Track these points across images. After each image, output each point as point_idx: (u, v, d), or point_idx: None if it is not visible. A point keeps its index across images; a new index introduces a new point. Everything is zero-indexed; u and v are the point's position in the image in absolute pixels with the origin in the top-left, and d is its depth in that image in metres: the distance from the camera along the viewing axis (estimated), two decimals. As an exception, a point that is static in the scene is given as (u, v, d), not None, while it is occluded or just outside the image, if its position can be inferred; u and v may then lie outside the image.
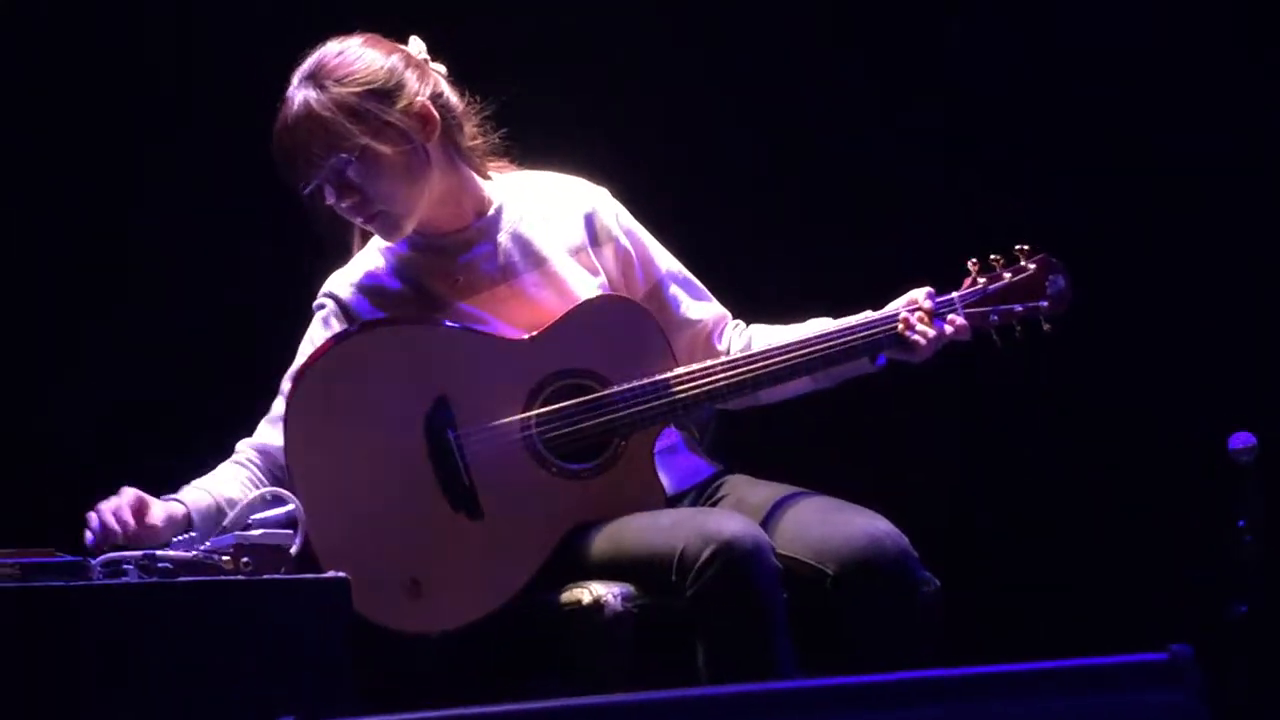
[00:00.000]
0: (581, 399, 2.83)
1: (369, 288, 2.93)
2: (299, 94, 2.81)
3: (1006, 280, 2.96)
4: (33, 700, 2.21)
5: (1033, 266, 2.97)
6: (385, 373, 2.80)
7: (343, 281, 2.95)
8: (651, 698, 1.82)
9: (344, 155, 2.79)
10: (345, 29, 2.91)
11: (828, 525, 2.74)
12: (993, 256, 2.98)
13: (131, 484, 2.73)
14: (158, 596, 2.30)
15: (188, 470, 2.91)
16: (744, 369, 2.88)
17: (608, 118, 3.91)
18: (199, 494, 2.77)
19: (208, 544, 2.46)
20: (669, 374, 2.87)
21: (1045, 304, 2.96)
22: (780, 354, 2.88)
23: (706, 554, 2.63)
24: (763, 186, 4.13)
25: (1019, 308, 2.95)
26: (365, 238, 2.96)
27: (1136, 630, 4.06)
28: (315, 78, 2.81)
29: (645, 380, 2.85)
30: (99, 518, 2.61)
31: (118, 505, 2.65)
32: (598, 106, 3.91)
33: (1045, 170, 4.12)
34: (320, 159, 2.79)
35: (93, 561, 2.45)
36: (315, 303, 2.95)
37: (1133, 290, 4.20)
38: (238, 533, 2.45)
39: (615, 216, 3.00)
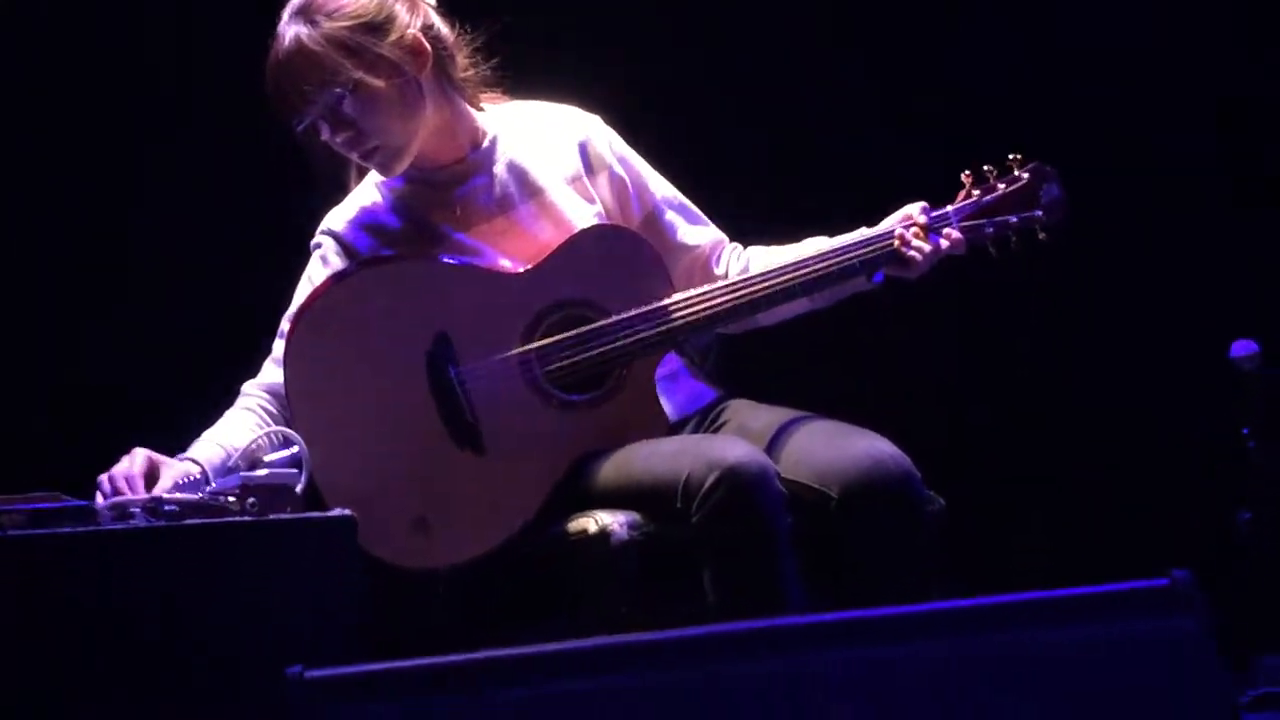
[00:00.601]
0: (580, 329, 2.83)
1: (367, 224, 2.92)
2: (290, 29, 2.79)
3: (1001, 191, 2.94)
4: (41, 647, 2.21)
5: (1026, 176, 2.95)
6: (384, 311, 2.80)
7: (340, 218, 2.94)
8: (657, 638, 1.84)
9: (337, 90, 2.77)
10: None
11: (830, 449, 2.74)
12: (986, 168, 2.96)
13: (137, 428, 2.73)
14: (165, 540, 2.30)
15: (195, 405, 2.92)
16: (742, 292, 2.87)
17: (600, 40, 3.89)
18: (212, 449, 2.75)
19: (213, 485, 2.47)
20: (667, 300, 2.86)
21: (1040, 213, 2.94)
22: (778, 276, 2.87)
23: (711, 480, 2.64)
24: (764, 107, 4.12)
25: (1014, 218, 2.93)
26: (362, 175, 2.95)
27: (1143, 540, 4.10)
28: (305, 12, 2.80)
29: (644, 308, 2.85)
30: (110, 483, 2.58)
31: (128, 470, 2.63)
32: (590, 29, 3.89)
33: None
34: (313, 94, 2.77)
35: (99, 506, 2.47)
36: (313, 241, 2.94)
37: (1133, 198, 4.19)
38: (243, 473, 2.45)
39: (609, 144, 2.99)
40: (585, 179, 2.95)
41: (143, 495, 2.54)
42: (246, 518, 2.38)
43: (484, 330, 2.80)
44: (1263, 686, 3.57)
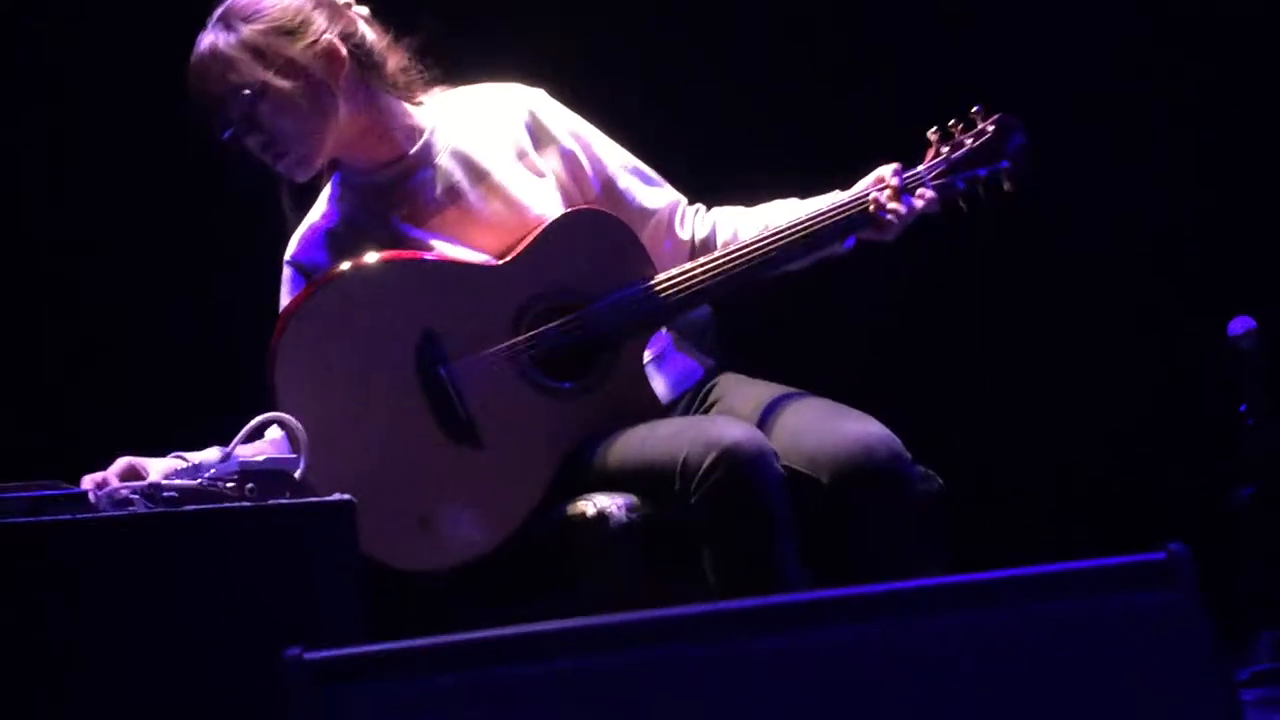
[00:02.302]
0: (566, 318, 2.83)
1: (324, 242, 2.91)
2: (208, 36, 2.82)
3: (968, 146, 2.93)
4: (43, 633, 2.22)
5: (991, 128, 2.94)
6: (369, 314, 2.78)
7: (297, 242, 2.94)
8: (657, 615, 1.84)
9: (246, 92, 2.78)
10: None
11: (819, 432, 2.74)
12: (951, 123, 2.96)
13: (141, 417, 2.73)
14: (164, 526, 2.31)
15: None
16: (723, 266, 2.87)
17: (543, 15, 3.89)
18: (210, 451, 2.74)
19: (212, 472, 2.48)
20: (650, 281, 2.87)
21: (1007, 164, 2.93)
22: (756, 246, 2.87)
23: (709, 461, 2.64)
24: (724, 71, 4.11)
25: (983, 172, 2.93)
26: (295, 190, 2.94)
27: (1142, 518, 4.11)
28: (225, 18, 2.82)
29: (626, 290, 2.85)
30: (91, 495, 2.52)
31: (105, 479, 2.62)
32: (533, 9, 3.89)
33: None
34: (226, 98, 2.79)
35: (98, 493, 2.48)
36: (283, 271, 2.95)
37: (1129, 176, 4.20)
38: (241, 459, 2.45)
39: (555, 116, 2.97)
40: (533, 154, 2.94)
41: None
42: (245, 503, 2.38)
43: (470, 326, 2.79)
44: (1262, 662, 3.58)
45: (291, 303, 2.84)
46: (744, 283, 2.88)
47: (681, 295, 2.87)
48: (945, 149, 2.94)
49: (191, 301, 3.76)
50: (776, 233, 2.88)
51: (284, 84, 2.79)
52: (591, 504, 2.74)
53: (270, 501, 2.38)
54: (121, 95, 3.73)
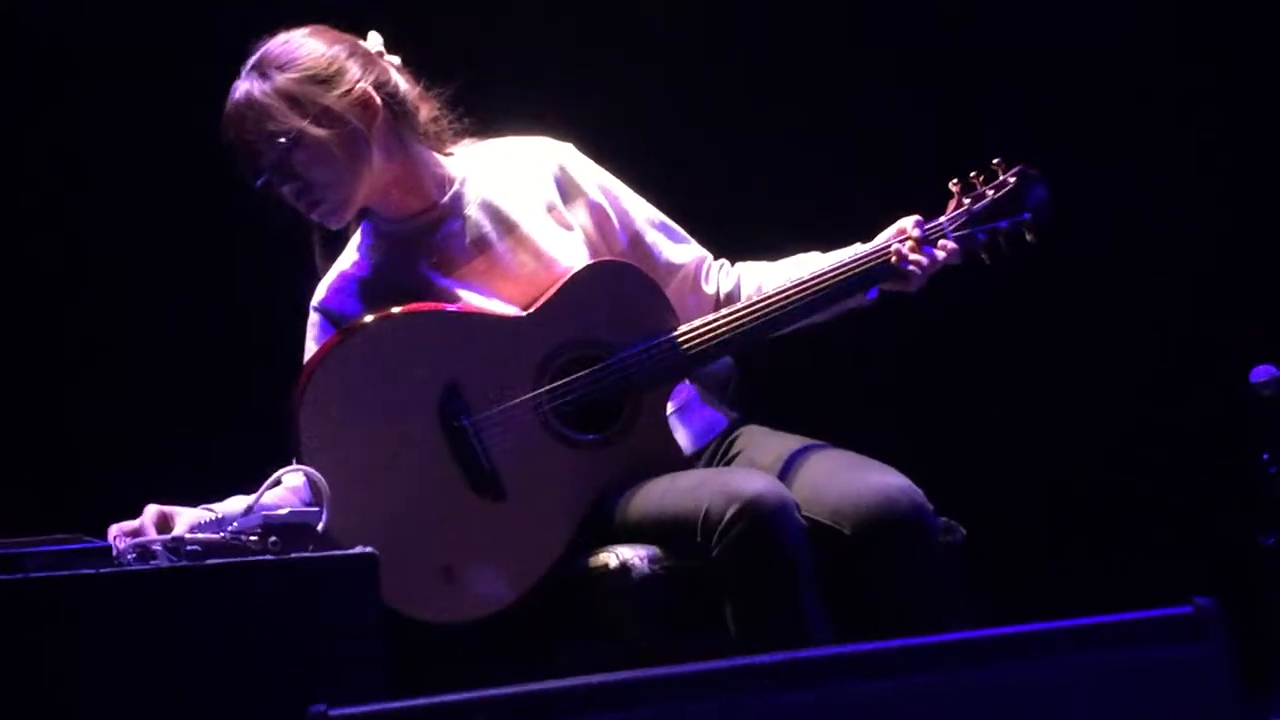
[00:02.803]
0: (589, 369, 2.83)
1: (352, 289, 2.93)
2: (242, 84, 2.83)
3: (990, 198, 2.95)
4: (65, 687, 2.22)
5: (1013, 180, 2.96)
6: (390, 367, 2.79)
7: (325, 289, 2.95)
8: (683, 671, 1.83)
9: (281, 140, 2.79)
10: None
11: (841, 484, 2.74)
12: (972, 175, 2.97)
13: (160, 473, 2.74)
14: (187, 580, 2.30)
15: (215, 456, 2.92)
16: (747, 317, 2.88)
17: (574, 69, 3.90)
18: (230, 501, 2.75)
19: (235, 525, 2.47)
20: (673, 332, 2.87)
21: (1028, 216, 2.95)
22: (780, 299, 2.88)
23: (731, 513, 2.63)
24: (744, 126, 4.11)
25: (1004, 224, 2.95)
26: (325, 237, 2.95)
27: (1166, 567, 4.09)
28: (259, 67, 2.84)
29: (649, 342, 2.86)
30: (118, 545, 2.51)
31: (140, 524, 2.64)
32: (562, 60, 3.91)
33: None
34: (260, 145, 2.80)
35: (121, 546, 2.48)
36: (309, 316, 2.96)
37: (1152, 225, 4.20)
38: (264, 512, 2.45)
39: (584, 171, 2.99)
40: (561, 207, 2.95)
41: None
42: (268, 556, 2.38)
43: (493, 377, 2.80)
44: (1287, 713, 3.56)
45: (315, 355, 2.85)
46: (766, 334, 2.89)
47: (705, 347, 2.87)
48: (967, 200, 2.95)
49: (208, 332, 3.76)
50: (799, 284, 2.89)
51: (319, 132, 2.81)
52: (614, 555, 2.73)
53: (293, 555, 2.37)
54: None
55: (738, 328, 2.87)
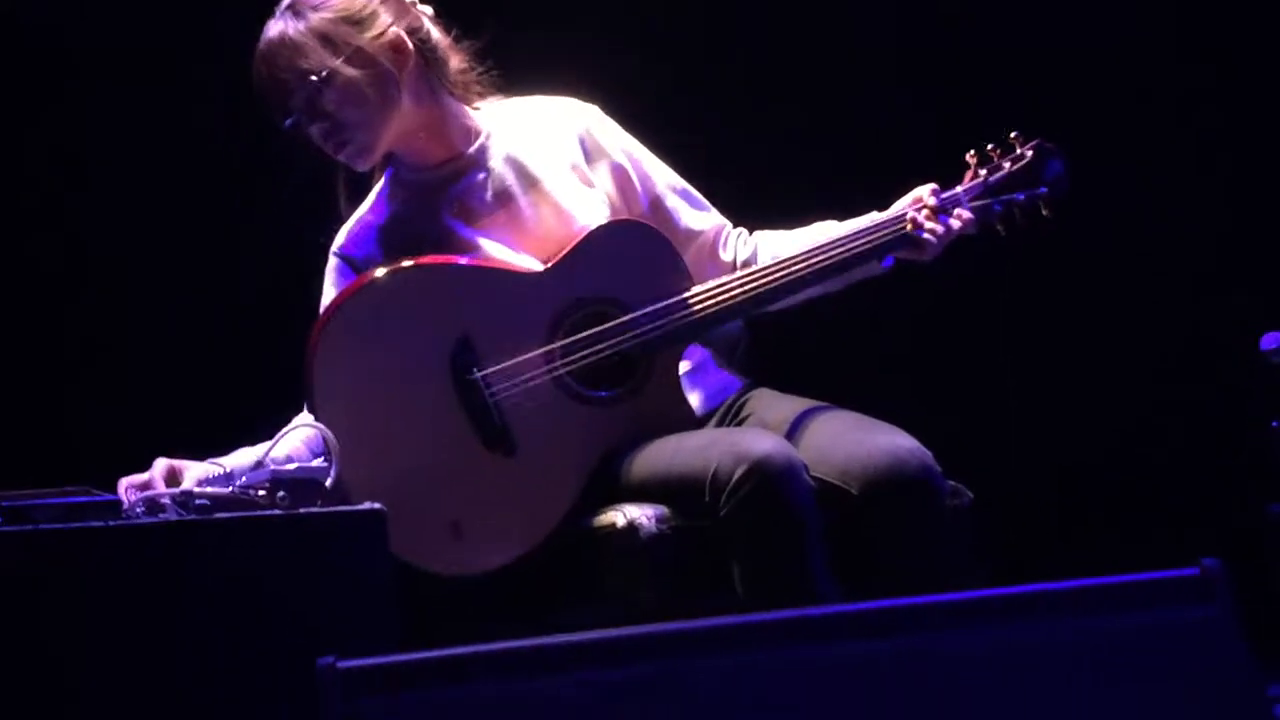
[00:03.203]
0: (603, 326, 2.84)
1: (372, 236, 2.94)
2: (276, 24, 2.85)
3: (1006, 170, 2.97)
4: (78, 639, 2.22)
5: (1029, 153, 2.98)
6: (404, 319, 2.80)
7: (345, 235, 2.96)
8: (688, 627, 1.84)
9: (313, 78, 2.81)
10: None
11: (850, 444, 2.74)
12: (989, 147, 2.99)
13: (167, 426, 2.74)
14: (196, 533, 2.31)
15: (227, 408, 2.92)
16: (759, 282, 2.89)
17: (601, 33, 3.89)
18: (239, 454, 2.77)
19: (243, 480, 2.48)
20: (686, 294, 2.87)
21: (1044, 189, 2.97)
22: (794, 263, 2.89)
23: (739, 473, 2.64)
24: (763, 99, 4.11)
25: (1020, 196, 2.97)
26: (349, 182, 2.96)
27: (1174, 534, 4.09)
28: (293, 6, 2.86)
29: (663, 302, 2.86)
30: (128, 498, 2.54)
31: (149, 476, 2.66)
32: (591, 25, 3.90)
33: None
34: (293, 83, 2.82)
35: (130, 499, 2.48)
36: (328, 261, 2.96)
37: (1161, 194, 4.19)
38: (273, 467, 2.45)
39: (608, 133, 3.01)
40: (584, 167, 2.96)
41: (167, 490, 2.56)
42: (276, 511, 2.38)
43: (505, 331, 2.81)
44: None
45: (330, 305, 2.85)
46: (780, 299, 2.91)
47: (719, 309, 2.88)
48: (983, 172, 2.97)
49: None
50: (814, 250, 2.90)
51: (351, 72, 2.83)
52: (622, 514, 2.74)
53: (301, 510, 2.38)
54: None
55: (752, 291, 2.88)
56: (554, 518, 2.77)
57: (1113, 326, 4.23)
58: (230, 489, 2.44)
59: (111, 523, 2.31)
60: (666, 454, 2.76)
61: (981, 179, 2.96)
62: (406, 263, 2.83)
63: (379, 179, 2.99)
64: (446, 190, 2.93)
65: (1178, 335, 4.22)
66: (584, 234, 2.88)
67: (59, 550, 2.24)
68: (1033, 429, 4.24)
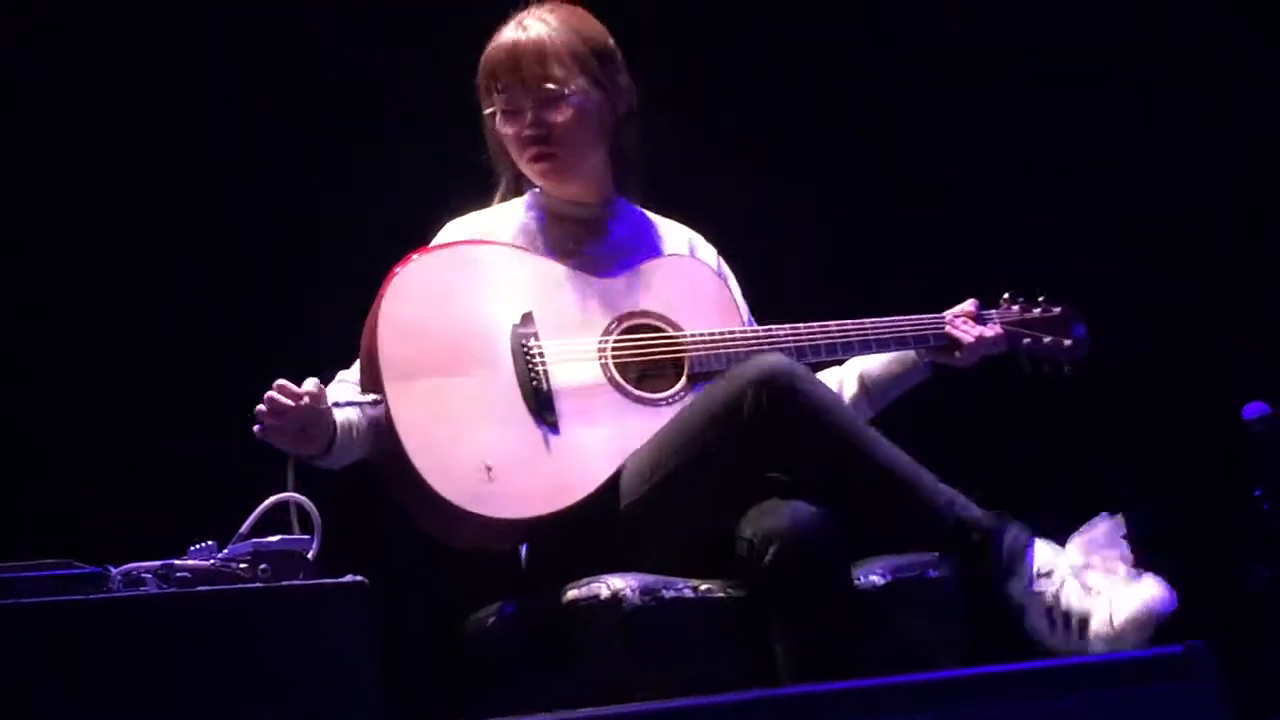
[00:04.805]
0: (658, 334, 2.97)
1: (488, 233, 3.04)
2: (536, 21, 3.01)
3: (1037, 314, 3.20)
4: (52, 713, 2.21)
5: (1058, 310, 3.22)
6: (479, 281, 2.92)
7: (460, 228, 3.06)
8: (671, 707, 1.83)
9: (554, 88, 2.97)
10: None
11: None
12: (1021, 297, 3.21)
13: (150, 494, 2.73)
14: (176, 607, 2.30)
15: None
16: (803, 335, 3.01)
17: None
18: (338, 387, 2.91)
19: (225, 551, 2.47)
20: (736, 330, 3.01)
21: (1069, 343, 3.19)
22: (841, 329, 3.03)
23: (752, 393, 2.72)
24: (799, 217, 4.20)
25: (1047, 339, 3.19)
26: (509, 184, 3.11)
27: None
28: (554, 14, 3.01)
29: (714, 329, 2.99)
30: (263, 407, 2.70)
31: (301, 393, 2.77)
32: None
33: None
34: (532, 83, 2.97)
35: (112, 571, 2.47)
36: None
37: (1142, 262, 4.21)
38: (255, 540, 2.45)
39: (713, 253, 3.21)
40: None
41: (302, 405, 2.74)
42: (258, 584, 2.37)
43: (567, 318, 2.93)
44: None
45: (424, 247, 2.97)
46: (822, 356, 3.03)
47: (759, 348, 2.97)
48: (1015, 308, 3.20)
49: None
50: (862, 323, 3.05)
51: (591, 96, 2.99)
52: (605, 586, 2.73)
53: (283, 583, 2.37)
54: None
55: (789, 341, 3.00)
56: (579, 494, 2.82)
57: (1094, 396, 4.24)
58: (211, 561, 2.43)
59: (93, 595, 2.29)
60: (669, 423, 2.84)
61: (1016, 310, 3.19)
62: (496, 244, 2.97)
63: (502, 193, 3.12)
64: (576, 236, 3.06)
65: (1158, 403, 4.23)
66: (653, 258, 3.05)
67: (40, 623, 2.23)
68: (1012, 495, 4.25)
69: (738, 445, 2.74)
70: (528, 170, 3.06)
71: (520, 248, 3.00)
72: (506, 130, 3.02)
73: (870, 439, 2.75)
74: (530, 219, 3.08)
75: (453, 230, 3.07)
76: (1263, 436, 3.54)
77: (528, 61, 2.97)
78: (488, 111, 3.03)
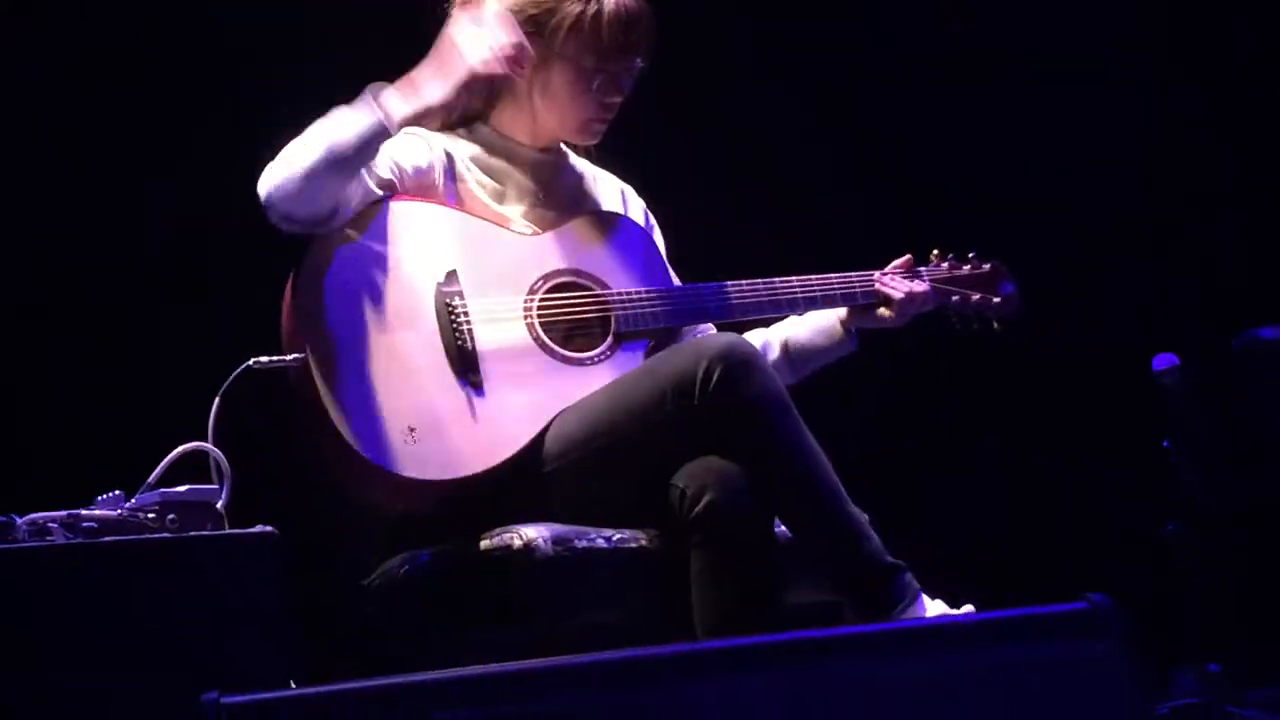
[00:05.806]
0: (584, 293, 2.95)
1: (480, 160, 3.03)
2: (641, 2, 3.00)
3: (966, 271, 3.20)
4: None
5: (987, 266, 3.21)
6: (403, 241, 2.87)
7: (463, 149, 3.03)
8: (584, 661, 1.84)
9: (641, 63, 3.00)
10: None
11: None
12: (950, 254, 3.20)
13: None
14: (82, 557, 2.28)
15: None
16: (735, 294, 3.02)
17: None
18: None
19: (133, 501, 2.45)
20: (664, 288, 3.00)
21: (998, 300, 3.20)
22: (769, 287, 3.04)
23: (703, 370, 2.70)
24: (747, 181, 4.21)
25: (976, 296, 3.19)
26: (461, 114, 3.06)
27: (1072, 552, 4.14)
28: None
29: (642, 289, 2.97)
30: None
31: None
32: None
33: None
34: (642, 52, 3.00)
35: (18, 521, 2.44)
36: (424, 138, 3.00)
37: (1053, 220, 4.25)
38: (163, 490, 2.43)
39: (641, 206, 3.19)
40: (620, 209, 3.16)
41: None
42: (165, 534, 2.36)
43: (493, 276, 2.91)
44: (1183, 697, 3.60)
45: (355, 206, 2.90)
46: (750, 314, 3.04)
47: (691, 309, 2.99)
48: (945, 264, 3.20)
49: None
50: (785, 281, 3.05)
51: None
52: (518, 535, 2.73)
53: (191, 533, 2.35)
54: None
55: (724, 299, 3.00)
56: (502, 456, 2.80)
57: (1007, 349, 4.27)
58: (119, 511, 2.41)
59: (-2, 546, 2.28)
60: (619, 385, 2.83)
61: (945, 268, 3.19)
62: (419, 201, 2.93)
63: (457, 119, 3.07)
64: (538, 177, 3.05)
65: (1068, 356, 4.27)
66: (581, 215, 3.02)
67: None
68: (928, 452, 4.28)
69: (683, 422, 2.72)
70: (572, 133, 3.06)
71: (443, 204, 2.96)
72: (601, 95, 3.00)
73: (807, 451, 2.72)
74: (494, 161, 3.05)
75: (454, 147, 3.03)
76: (1171, 388, 3.56)
77: (648, 31, 3.00)
78: (586, 66, 2.97)
